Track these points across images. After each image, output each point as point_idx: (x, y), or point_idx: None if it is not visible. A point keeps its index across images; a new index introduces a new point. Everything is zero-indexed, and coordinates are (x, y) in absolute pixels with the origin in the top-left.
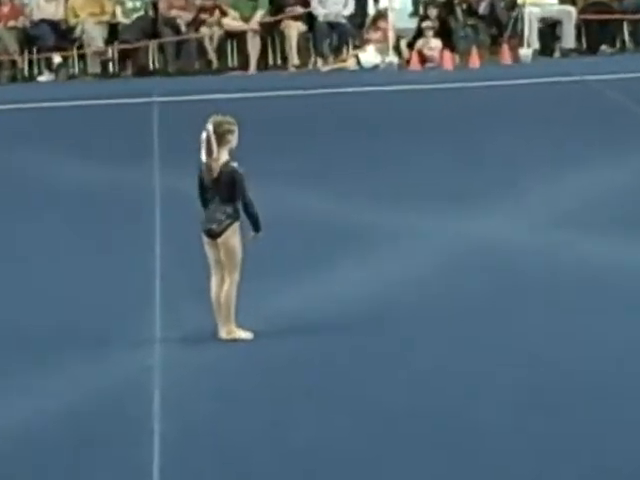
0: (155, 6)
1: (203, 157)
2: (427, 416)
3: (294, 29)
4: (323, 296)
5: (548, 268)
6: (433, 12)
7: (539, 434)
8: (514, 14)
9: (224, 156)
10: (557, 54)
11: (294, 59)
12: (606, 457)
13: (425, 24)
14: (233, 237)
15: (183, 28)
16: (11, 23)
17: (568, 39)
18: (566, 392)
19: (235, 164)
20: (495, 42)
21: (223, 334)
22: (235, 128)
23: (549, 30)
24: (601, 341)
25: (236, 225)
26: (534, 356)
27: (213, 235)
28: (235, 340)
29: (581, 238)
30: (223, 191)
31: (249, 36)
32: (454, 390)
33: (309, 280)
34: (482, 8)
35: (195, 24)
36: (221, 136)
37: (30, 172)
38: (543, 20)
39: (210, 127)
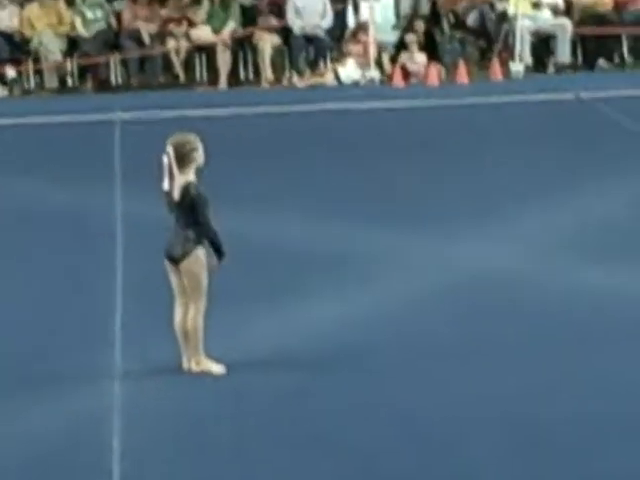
0: (118, 17)
1: (165, 184)
2: (407, 456)
3: (268, 42)
4: (299, 327)
5: (542, 295)
6: (420, 25)
7: (531, 473)
8: (505, 27)
9: (189, 177)
10: (551, 69)
11: (268, 74)
12: None
13: (409, 37)
14: (195, 263)
15: (147, 40)
16: None
17: (563, 54)
18: (561, 429)
19: (197, 187)
20: (484, 56)
21: (193, 365)
22: (198, 145)
23: (542, 44)
24: (599, 373)
25: (199, 251)
26: (525, 390)
27: (175, 260)
28: (205, 372)
29: (577, 264)
30: (185, 214)
31: (219, 49)
32: (437, 429)
33: (284, 309)
34: (471, 20)
35: (161, 36)
36: (183, 156)
37: None
38: (536, 33)
39: (170, 150)
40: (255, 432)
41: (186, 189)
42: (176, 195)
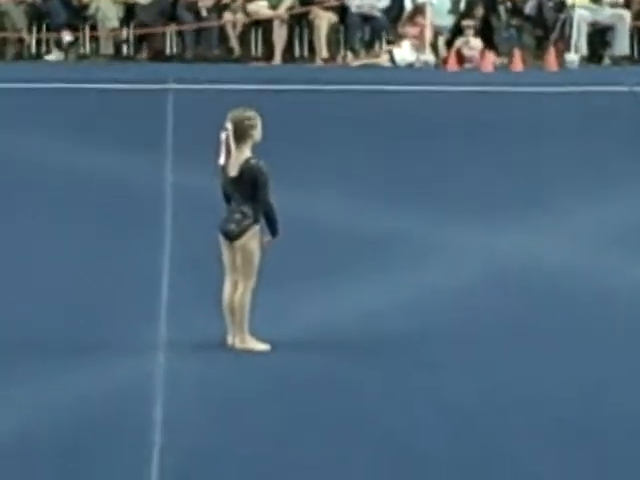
0: None
1: (221, 159)
2: (449, 445)
3: (324, 20)
4: (345, 309)
5: (592, 289)
6: (479, 11)
7: (579, 468)
8: (562, 16)
9: (246, 152)
10: (606, 61)
11: (323, 52)
12: None
13: (466, 22)
14: (252, 240)
15: (204, 13)
16: None
17: (620, 46)
18: (614, 425)
19: (259, 161)
20: (540, 45)
21: (236, 342)
22: (257, 122)
23: (599, 35)
24: None
25: (256, 228)
26: (572, 383)
27: (230, 237)
28: (248, 350)
29: (628, 259)
30: (243, 190)
31: (275, 24)
32: (482, 418)
33: (331, 291)
34: (528, 8)
35: (218, 9)
36: (242, 132)
37: (32, 157)
38: (593, 24)
39: (230, 125)
40: (295, 411)
41: (246, 164)
42: (233, 171)
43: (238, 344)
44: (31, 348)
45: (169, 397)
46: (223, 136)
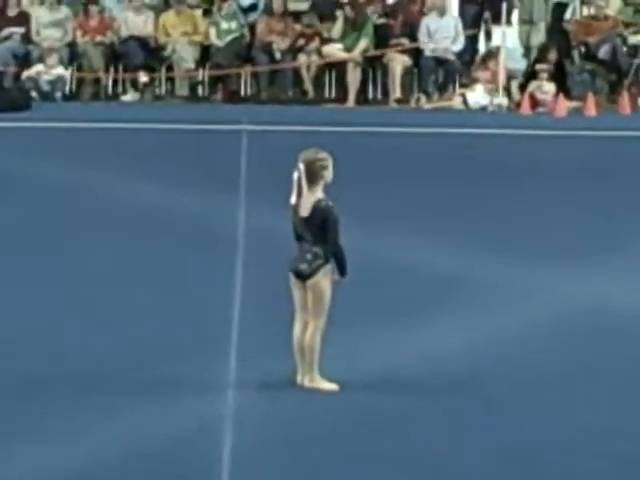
0: (252, 29)
1: (293, 198)
2: None
3: (399, 62)
4: (415, 351)
5: None
6: (553, 55)
7: None
8: (637, 61)
9: (318, 194)
10: None
11: (397, 94)
12: None
13: (539, 66)
14: (323, 280)
15: (279, 55)
16: (98, 38)
17: None
18: None
19: (329, 203)
20: (614, 90)
21: (305, 382)
22: (329, 163)
23: None
24: None
25: (327, 268)
26: (636, 426)
27: (302, 276)
28: (317, 390)
29: None
30: (314, 230)
31: (350, 67)
32: (545, 459)
33: (401, 332)
34: (602, 52)
35: (292, 51)
36: (314, 173)
37: (108, 196)
38: None
39: (301, 166)
40: (362, 451)
41: (317, 205)
42: (304, 211)
43: (307, 383)
44: (99, 384)
45: (237, 437)
46: (295, 175)
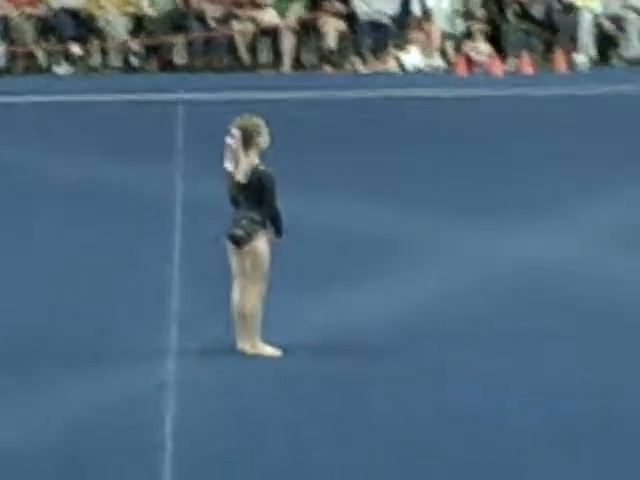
0: None
1: (228, 164)
2: (452, 444)
3: (332, 27)
4: (355, 313)
5: (593, 288)
6: (484, 14)
7: (581, 467)
8: (571, 19)
9: (253, 159)
10: (615, 62)
11: (332, 59)
12: None
13: (474, 27)
14: (260, 245)
15: (213, 23)
16: (29, 10)
17: (632, 47)
18: (615, 425)
19: (265, 167)
20: (549, 48)
21: (247, 347)
22: (263, 129)
23: (607, 37)
24: None
25: (263, 233)
26: (572, 381)
27: (239, 242)
28: (259, 355)
29: (630, 259)
30: (251, 196)
31: (284, 33)
32: (484, 417)
33: (341, 295)
34: (536, 11)
35: (226, 19)
36: (248, 139)
37: (43, 170)
38: (602, 25)
39: (236, 132)
40: (305, 415)
41: (254, 170)
42: (241, 177)
43: (248, 349)
44: (40, 356)
45: (180, 404)
46: (229, 140)
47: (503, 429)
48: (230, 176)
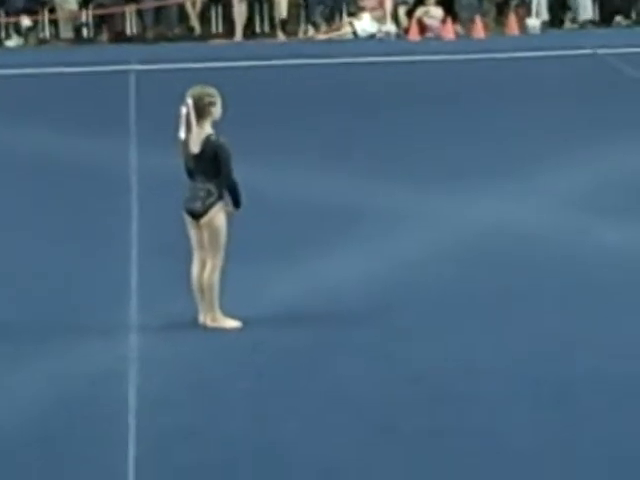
0: None
1: (182, 134)
2: (423, 412)
3: None
4: (318, 283)
5: (565, 254)
6: None
7: (550, 429)
8: None
9: (207, 129)
10: (567, 25)
11: (283, 26)
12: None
13: None
14: (218, 217)
15: None
16: None
17: (583, 9)
18: (583, 385)
19: (220, 137)
20: (501, 12)
21: (207, 321)
22: (217, 99)
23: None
24: (613, 331)
25: (221, 204)
26: (538, 346)
27: (196, 215)
28: (220, 328)
29: (593, 221)
30: (206, 166)
31: (235, 1)
32: (454, 384)
33: (299, 265)
34: None
35: None
36: (202, 109)
37: None
38: None
39: (189, 101)
40: (269, 387)
41: (207, 140)
42: (195, 147)
43: (209, 322)
44: (0, 334)
45: (142, 378)
46: (183, 110)
47: (472, 394)
48: (184, 146)
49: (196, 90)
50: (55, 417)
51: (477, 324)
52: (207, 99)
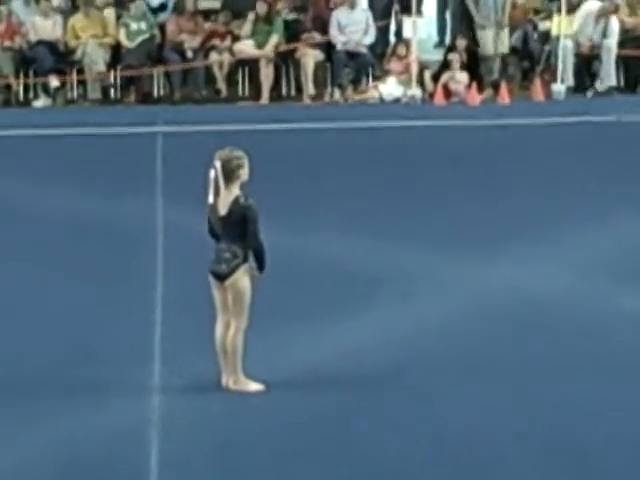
0: (162, 29)
1: (210, 198)
2: (447, 477)
3: (310, 57)
4: (341, 347)
5: (583, 320)
6: (462, 43)
7: None
8: (547, 47)
9: (235, 191)
10: (592, 91)
11: (310, 89)
12: None
13: (451, 56)
14: (242, 279)
15: (190, 54)
16: (7, 43)
17: (606, 76)
18: (604, 452)
19: (248, 199)
20: (526, 77)
21: (230, 383)
22: (245, 162)
23: (585, 65)
24: (636, 398)
25: (246, 266)
26: (563, 412)
27: (221, 277)
28: (243, 391)
29: (618, 289)
30: (233, 229)
31: (262, 64)
32: (477, 448)
33: (326, 329)
34: (513, 40)
35: (204, 50)
36: (230, 172)
37: (22, 203)
38: (579, 55)
39: (218, 164)
40: (292, 450)
41: (236, 202)
42: (223, 210)
43: (232, 385)
44: (20, 390)
45: (164, 440)
46: (212, 174)
47: (492, 457)
48: (212, 209)
49: (224, 153)
50: (73, 476)
51: (495, 388)
52: (235, 162)
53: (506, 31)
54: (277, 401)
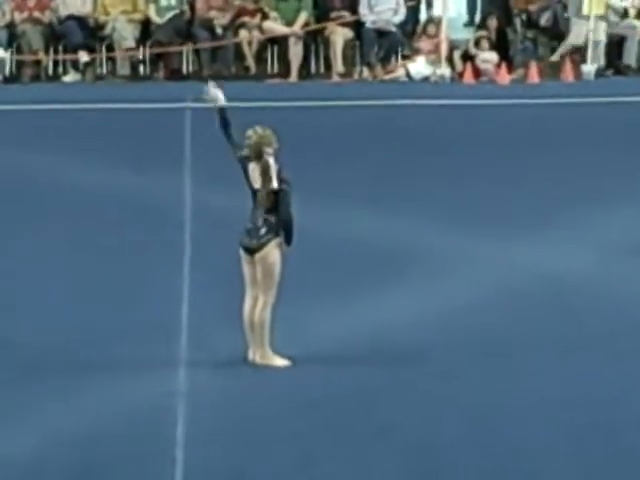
0: (192, 5)
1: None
2: (469, 453)
3: (340, 35)
4: (367, 323)
5: (611, 302)
6: (493, 22)
7: (598, 472)
8: (579, 26)
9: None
10: (622, 72)
11: (339, 67)
12: None
13: (481, 35)
14: (273, 253)
15: (220, 31)
16: (36, 14)
17: (630, 56)
18: (630, 431)
19: (281, 172)
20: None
21: (257, 358)
22: (274, 139)
23: (615, 46)
24: None
25: (278, 240)
26: (586, 393)
27: (251, 250)
28: (269, 366)
29: None
30: (264, 202)
31: (291, 41)
32: (499, 427)
33: (353, 305)
34: (543, 19)
35: (233, 27)
36: (260, 150)
37: (50, 178)
38: (609, 35)
39: (249, 142)
40: (318, 426)
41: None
42: (257, 183)
43: (258, 360)
44: (50, 367)
45: (191, 415)
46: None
47: (519, 437)
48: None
49: (255, 131)
50: (102, 452)
51: (521, 366)
52: (265, 140)
53: None
54: (303, 376)
